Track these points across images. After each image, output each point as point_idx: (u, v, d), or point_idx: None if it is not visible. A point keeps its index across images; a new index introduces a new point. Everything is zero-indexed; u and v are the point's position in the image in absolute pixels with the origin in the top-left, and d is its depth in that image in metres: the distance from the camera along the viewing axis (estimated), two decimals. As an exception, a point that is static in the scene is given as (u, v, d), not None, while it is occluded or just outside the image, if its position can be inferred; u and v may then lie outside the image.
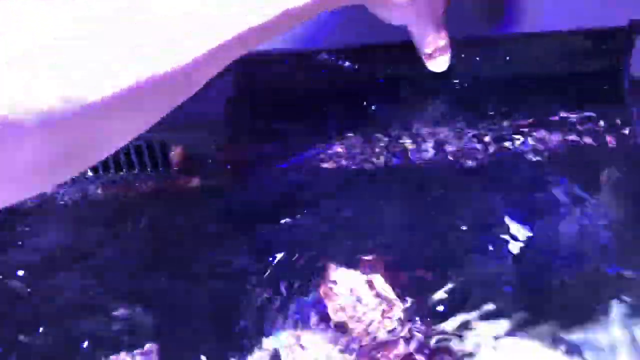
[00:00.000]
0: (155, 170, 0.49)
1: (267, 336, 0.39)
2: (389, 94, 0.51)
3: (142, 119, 0.29)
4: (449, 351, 0.37)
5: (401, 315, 0.39)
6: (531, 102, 0.50)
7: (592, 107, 0.50)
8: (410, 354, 0.37)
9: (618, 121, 0.48)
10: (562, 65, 0.51)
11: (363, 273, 0.41)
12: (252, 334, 0.39)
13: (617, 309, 0.38)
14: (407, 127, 0.50)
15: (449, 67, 0.42)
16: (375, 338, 0.39)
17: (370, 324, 0.39)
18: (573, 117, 0.49)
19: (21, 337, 0.41)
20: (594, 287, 0.39)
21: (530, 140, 0.48)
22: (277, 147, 0.50)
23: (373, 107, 0.51)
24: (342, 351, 0.38)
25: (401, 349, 0.38)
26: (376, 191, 0.46)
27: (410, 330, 0.38)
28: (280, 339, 0.39)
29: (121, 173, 0.49)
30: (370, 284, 0.41)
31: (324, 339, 0.39)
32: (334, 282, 0.41)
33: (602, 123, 0.49)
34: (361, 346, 0.38)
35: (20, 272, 0.44)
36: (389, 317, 0.39)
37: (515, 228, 0.43)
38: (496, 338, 0.38)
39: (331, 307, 0.40)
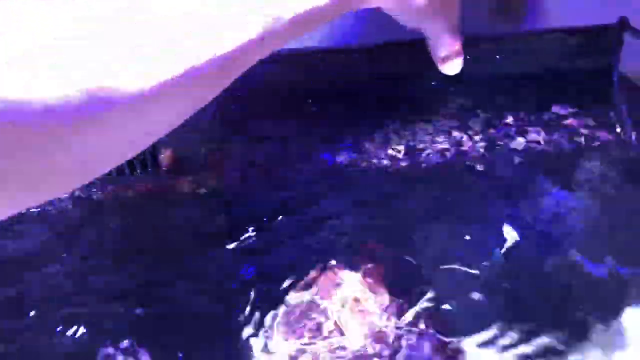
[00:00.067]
0: (145, 172, 0.49)
1: (266, 337, 0.39)
2: (389, 94, 0.52)
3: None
4: (447, 349, 0.38)
5: (401, 315, 0.39)
6: (523, 100, 0.51)
7: (583, 104, 0.50)
8: (410, 354, 0.38)
9: (608, 118, 0.49)
10: (554, 63, 0.52)
11: (363, 273, 0.41)
12: (250, 335, 0.39)
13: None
14: (407, 127, 0.50)
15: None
16: (374, 338, 0.39)
17: (370, 324, 0.39)
18: (564, 114, 0.50)
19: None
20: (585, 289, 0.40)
21: (520, 139, 0.48)
22: (272, 148, 0.50)
23: (373, 107, 0.51)
24: (341, 351, 0.38)
25: (401, 348, 0.38)
26: (376, 191, 0.46)
27: (410, 330, 0.39)
28: (280, 339, 0.39)
29: (109, 176, 0.49)
30: (370, 284, 0.41)
31: (324, 339, 0.39)
32: (334, 282, 0.41)
33: (592, 120, 0.49)
34: (360, 347, 0.38)
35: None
36: (389, 317, 0.39)
37: (509, 228, 0.43)
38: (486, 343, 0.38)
39: (331, 307, 0.40)
